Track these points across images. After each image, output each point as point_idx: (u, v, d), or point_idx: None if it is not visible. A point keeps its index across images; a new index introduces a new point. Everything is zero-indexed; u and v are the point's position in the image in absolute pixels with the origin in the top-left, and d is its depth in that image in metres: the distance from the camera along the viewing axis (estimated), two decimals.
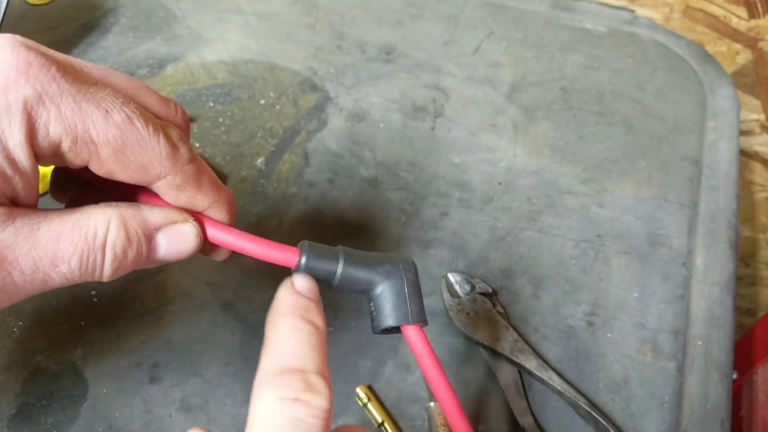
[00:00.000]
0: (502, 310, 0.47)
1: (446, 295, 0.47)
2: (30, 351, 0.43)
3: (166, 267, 0.48)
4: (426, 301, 0.47)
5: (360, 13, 0.68)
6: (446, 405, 0.31)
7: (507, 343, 0.45)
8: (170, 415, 0.41)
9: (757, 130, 0.83)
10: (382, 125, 0.58)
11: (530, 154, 0.57)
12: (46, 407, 0.41)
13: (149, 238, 0.29)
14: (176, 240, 0.30)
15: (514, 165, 0.56)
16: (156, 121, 0.29)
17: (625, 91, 0.62)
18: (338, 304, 0.47)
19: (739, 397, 0.78)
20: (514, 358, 0.44)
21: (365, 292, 0.32)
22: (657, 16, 0.76)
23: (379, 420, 0.41)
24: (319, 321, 0.29)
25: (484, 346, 0.45)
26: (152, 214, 0.30)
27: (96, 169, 0.28)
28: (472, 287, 0.47)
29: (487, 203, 0.53)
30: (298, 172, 0.54)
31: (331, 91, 0.60)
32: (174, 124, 0.31)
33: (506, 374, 0.44)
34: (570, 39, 0.67)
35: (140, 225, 0.29)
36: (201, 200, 0.31)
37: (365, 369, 0.44)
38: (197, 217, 0.31)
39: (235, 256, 0.49)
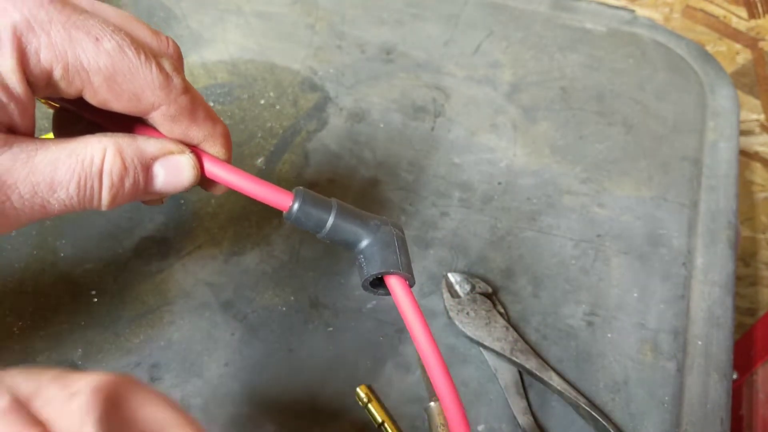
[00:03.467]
0: (502, 310, 0.47)
1: (446, 295, 0.47)
2: (30, 351, 0.43)
3: (166, 266, 0.48)
4: (426, 301, 0.47)
5: (360, 13, 0.68)
6: (429, 359, 0.31)
7: (507, 343, 0.45)
8: None
9: (757, 130, 0.83)
10: (382, 125, 0.58)
11: (530, 154, 0.57)
12: None
13: (146, 167, 0.30)
14: (173, 171, 0.30)
15: (514, 165, 0.56)
16: (148, 50, 0.29)
17: (625, 91, 0.62)
18: (338, 305, 0.47)
19: (739, 396, 0.78)
20: (514, 358, 0.44)
21: (352, 245, 0.32)
22: (657, 16, 0.76)
23: (380, 420, 0.41)
24: None
25: (484, 346, 0.45)
26: (148, 144, 0.30)
27: (90, 98, 0.28)
28: (472, 287, 0.47)
29: (487, 203, 0.53)
30: (298, 172, 0.54)
31: (331, 91, 0.60)
32: (167, 56, 0.31)
33: (506, 374, 0.44)
34: (570, 39, 0.67)
35: (136, 154, 0.29)
36: (196, 132, 0.31)
37: (365, 369, 0.44)
38: (195, 150, 0.31)
39: (236, 257, 0.49)
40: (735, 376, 0.78)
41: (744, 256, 0.97)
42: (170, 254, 0.49)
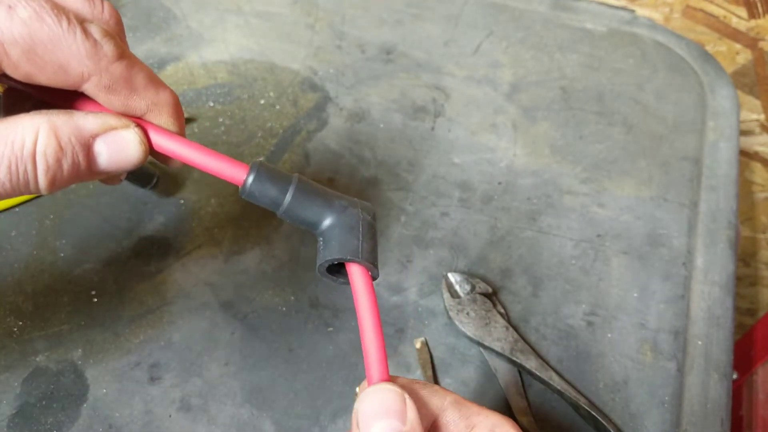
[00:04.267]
0: (502, 310, 0.47)
1: (446, 295, 0.47)
2: (30, 350, 0.43)
3: (166, 266, 0.48)
4: (426, 301, 0.47)
5: (360, 13, 0.68)
6: (372, 356, 0.29)
7: (507, 343, 0.45)
8: (170, 415, 0.41)
9: (757, 130, 0.83)
10: (382, 125, 0.58)
11: (530, 154, 0.57)
12: (46, 407, 0.41)
13: (85, 146, 0.27)
14: (117, 148, 0.28)
15: (514, 165, 0.56)
16: (72, 16, 0.26)
17: (625, 91, 0.62)
18: (338, 304, 0.47)
19: (739, 397, 0.78)
20: (514, 358, 0.44)
21: (314, 226, 0.29)
22: (657, 16, 0.76)
23: None
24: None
25: (484, 346, 0.45)
26: (87, 121, 0.27)
27: (12, 72, 0.26)
28: (472, 287, 0.47)
29: (487, 203, 0.53)
30: (298, 172, 0.54)
31: (331, 91, 0.60)
32: (100, 21, 0.28)
33: (506, 374, 0.44)
34: (570, 39, 0.66)
35: (73, 132, 0.27)
36: (137, 102, 0.29)
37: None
38: (141, 123, 0.29)
39: (236, 257, 0.49)
40: (735, 376, 0.78)
41: (744, 256, 0.96)
42: (170, 254, 0.49)
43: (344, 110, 0.59)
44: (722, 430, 0.43)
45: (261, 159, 0.30)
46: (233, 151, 0.55)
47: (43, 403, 0.41)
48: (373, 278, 0.29)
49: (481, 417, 0.28)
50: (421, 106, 0.60)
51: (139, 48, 0.62)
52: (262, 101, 0.59)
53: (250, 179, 0.28)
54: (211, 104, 0.58)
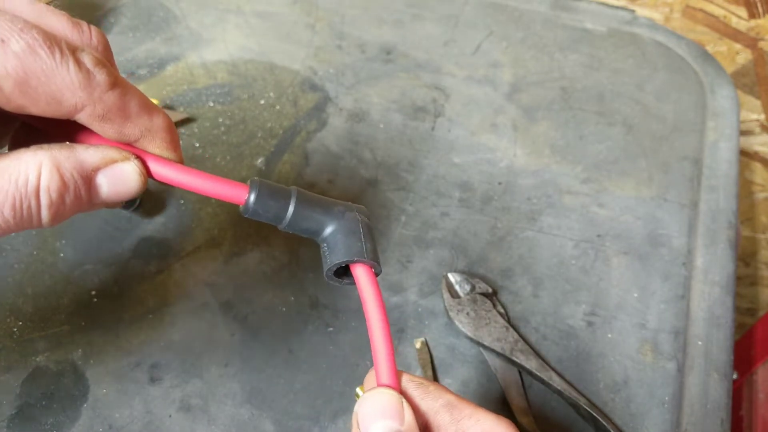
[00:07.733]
0: (502, 310, 0.47)
1: (446, 295, 0.47)
2: (30, 351, 0.43)
3: (166, 267, 0.48)
4: (426, 301, 0.47)
5: (360, 13, 0.68)
6: (380, 355, 0.29)
7: (507, 343, 0.45)
8: (170, 416, 0.41)
9: (757, 130, 0.83)
10: (382, 125, 0.58)
11: (530, 154, 0.57)
12: (46, 407, 0.41)
13: (88, 180, 0.28)
14: (118, 180, 0.28)
15: (514, 165, 0.56)
16: (64, 46, 0.26)
17: (625, 91, 0.62)
18: (338, 305, 0.47)
19: (739, 397, 0.78)
20: (514, 358, 0.44)
21: (316, 234, 0.31)
22: (657, 16, 0.76)
23: None
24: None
25: (484, 346, 0.45)
26: (88, 155, 0.28)
27: (4, 105, 0.26)
28: (472, 287, 0.47)
29: (487, 203, 0.53)
30: (298, 173, 0.54)
31: (331, 91, 0.60)
32: (90, 48, 0.28)
33: (506, 374, 0.44)
34: (570, 39, 0.66)
35: (75, 167, 0.27)
36: (131, 130, 0.29)
37: (365, 369, 0.44)
38: (139, 154, 0.29)
39: (236, 257, 0.49)
40: (735, 376, 0.78)
41: (744, 256, 0.97)
42: (170, 255, 0.49)
43: (344, 110, 0.59)
44: (722, 430, 0.43)
45: (257, 178, 0.30)
46: (233, 152, 0.55)
47: (43, 403, 0.41)
48: (377, 274, 0.30)
49: (472, 421, 0.28)
50: (421, 106, 0.60)
51: (139, 48, 0.62)
52: (262, 101, 0.59)
53: (252, 198, 0.29)
54: (211, 104, 0.58)
